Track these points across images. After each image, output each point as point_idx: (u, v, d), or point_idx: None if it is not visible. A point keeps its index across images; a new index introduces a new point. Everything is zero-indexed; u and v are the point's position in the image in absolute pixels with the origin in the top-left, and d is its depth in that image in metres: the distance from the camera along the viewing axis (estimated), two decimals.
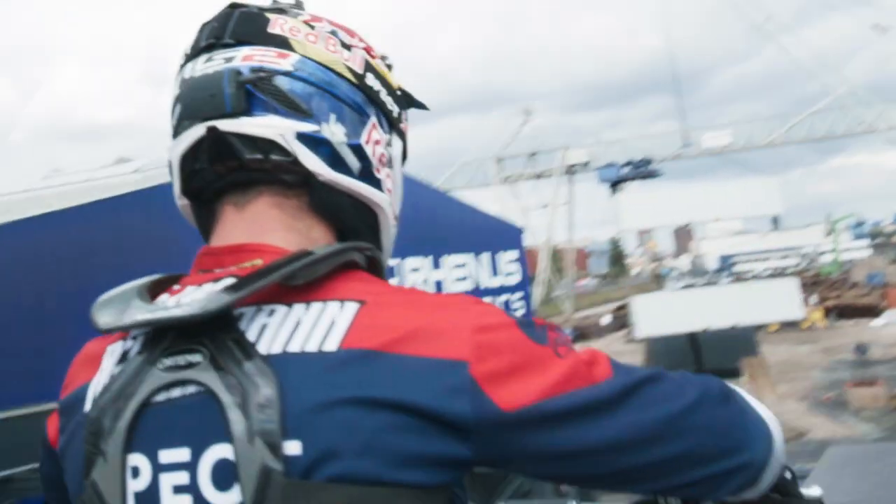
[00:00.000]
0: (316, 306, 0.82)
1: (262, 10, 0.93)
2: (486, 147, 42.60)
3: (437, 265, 12.09)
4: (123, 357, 0.85)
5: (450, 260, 12.44)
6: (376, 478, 0.75)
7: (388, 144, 0.97)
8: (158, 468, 0.79)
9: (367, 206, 0.95)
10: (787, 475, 0.96)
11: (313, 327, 0.81)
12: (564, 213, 41.13)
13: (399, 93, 1.00)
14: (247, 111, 0.86)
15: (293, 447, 0.75)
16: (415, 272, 11.57)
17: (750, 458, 0.86)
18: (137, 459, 0.80)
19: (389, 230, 1.00)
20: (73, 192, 10.35)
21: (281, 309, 0.82)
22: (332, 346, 0.78)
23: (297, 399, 0.76)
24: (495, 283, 13.39)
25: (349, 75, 0.92)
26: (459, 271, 12.72)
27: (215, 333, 0.79)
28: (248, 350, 0.79)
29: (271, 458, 0.74)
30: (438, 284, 12.11)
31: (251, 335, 0.80)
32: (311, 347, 0.79)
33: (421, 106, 1.05)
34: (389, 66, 1.00)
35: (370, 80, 0.94)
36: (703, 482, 0.85)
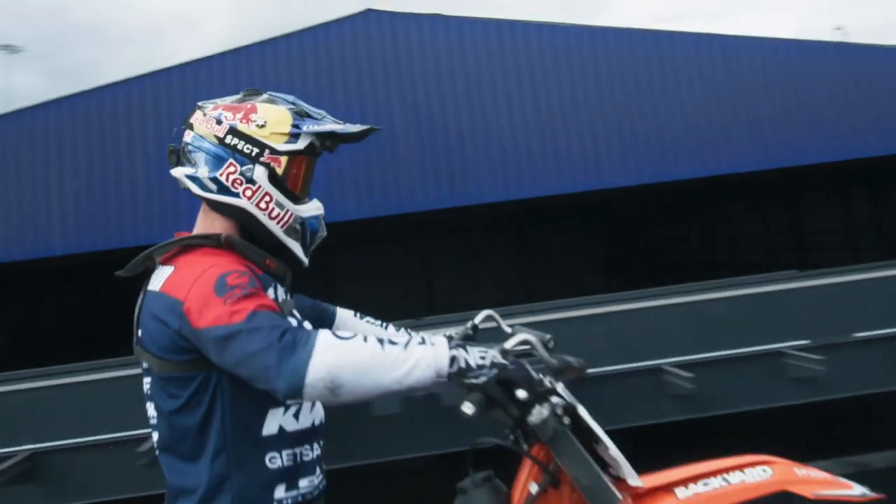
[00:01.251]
0: (167, 268, 1.76)
1: (198, 107, 1.89)
2: None
3: None
4: None
5: None
6: (160, 356, 1.70)
7: (248, 171, 1.81)
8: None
9: (237, 207, 1.82)
10: (480, 378, 1.58)
11: (160, 278, 1.75)
12: None
13: (266, 141, 1.82)
14: (176, 164, 1.87)
15: (140, 332, 1.75)
16: None
17: (274, 387, 1.55)
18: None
19: (264, 218, 1.82)
20: None
21: (160, 268, 1.79)
22: (158, 289, 1.73)
23: (144, 311, 1.75)
24: None
25: (214, 139, 1.83)
26: None
27: (147, 276, 1.81)
28: (146, 286, 1.78)
29: (136, 336, 1.75)
30: None
31: (151, 279, 1.79)
32: (155, 288, 1.75)
33: (315, 143, 1.87)
34: (261, 126, 1.83)
35: (229, 139, 1.82)
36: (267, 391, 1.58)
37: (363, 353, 1.54)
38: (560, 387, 1.79)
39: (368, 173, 11.62)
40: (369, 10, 12.31)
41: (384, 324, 2.24)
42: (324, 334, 1.56)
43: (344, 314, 2.20)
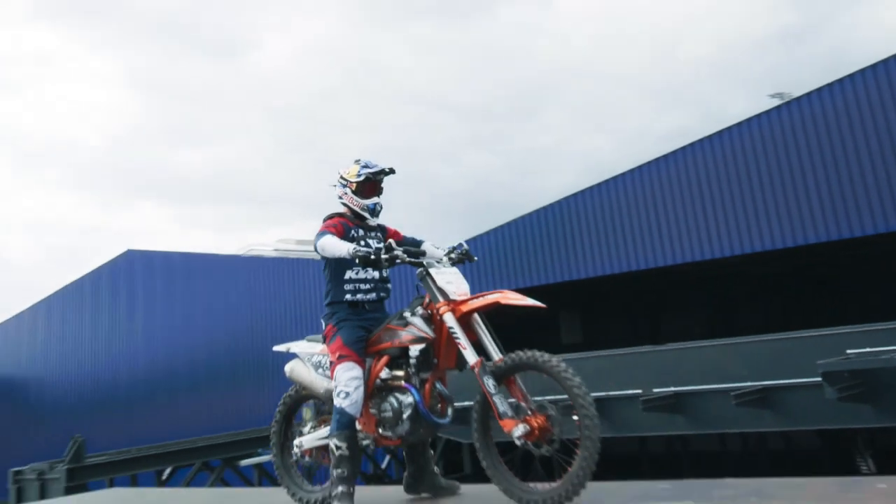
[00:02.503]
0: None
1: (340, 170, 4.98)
2: None
3: None
4: None
5: None
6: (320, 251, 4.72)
7: (345, 189, 4.80)
8: None
9: (344, 202, 4.82)
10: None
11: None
12: None
13: (349, 179, 4.78)
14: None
15: None
16: None
17: (315, 248, 4.57)
18: None
19: (351, 205, 4.76)
20: None
21: None
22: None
23: None
24: None
25: (338, 180, 4.85)
26: None
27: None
28: None
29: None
30: None
31: None
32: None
33: (368, 177, 4.74)
34: (348, 173, 4.80)
35: (340, 180, 4.81)
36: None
37: (332, 241, 4.32)
38: (441, 260, 4.42)
39: None
40: None
41: (439, 247, 4.71)
42: (328, 235, 4.37)
43: (427, 243, 4.75)
